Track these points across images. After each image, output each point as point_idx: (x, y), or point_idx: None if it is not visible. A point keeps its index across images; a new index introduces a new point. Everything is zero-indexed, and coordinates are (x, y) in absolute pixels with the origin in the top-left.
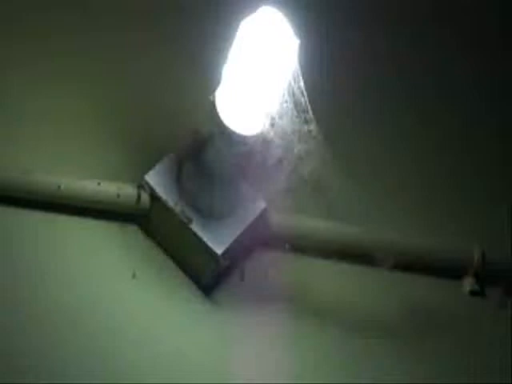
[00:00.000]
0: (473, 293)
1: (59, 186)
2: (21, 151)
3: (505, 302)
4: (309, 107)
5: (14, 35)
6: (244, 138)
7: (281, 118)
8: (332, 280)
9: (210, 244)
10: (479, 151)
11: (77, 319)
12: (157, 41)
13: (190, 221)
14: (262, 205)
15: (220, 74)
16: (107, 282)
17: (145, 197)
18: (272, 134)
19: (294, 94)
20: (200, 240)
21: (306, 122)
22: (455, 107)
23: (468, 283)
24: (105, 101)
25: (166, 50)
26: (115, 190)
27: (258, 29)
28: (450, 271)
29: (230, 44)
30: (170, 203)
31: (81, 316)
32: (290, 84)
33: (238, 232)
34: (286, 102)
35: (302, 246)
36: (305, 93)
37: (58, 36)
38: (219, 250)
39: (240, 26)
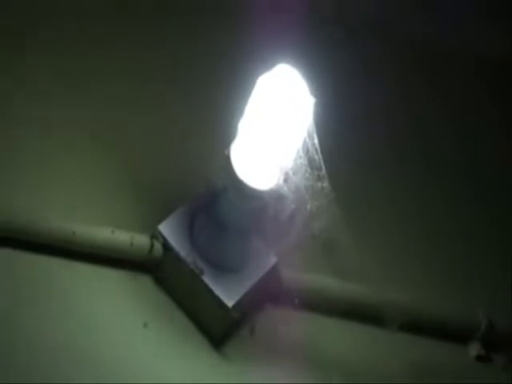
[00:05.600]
0: (479, 358)
1: (74, 232)
2: (37, 197)
3: (510, 368)
4: (322, 164)
5: (29, 90)
6: (257, 192)
7: (294, 174)
8: (339, 338)
9: (221, 296)
10: (486, 217)
11: (86, 367)
12: (173, 92)
13: (202, 272)
14: (272, 260)
15: (236, 128)
16: (118, 330)
17: (158, 246)
18: (285, 189)
19: (308, 151)
20: (211, 292)
21: (320, 178)
22: (464, 172)
23: (474, 348)
24: (121, 150)
25: (183, 101)
26: (128, 238)
27: (275, 85)
28: (457, 335)
29: (247, 99)
30: (182, 254)
31: (90, 364)
32: (304, 141)
33: (249, 286)
34: (300, 158)
35: (311, 303)
36: (319, 150)
37: (73, 85)
38: (230, 303)
39: (257, 82)
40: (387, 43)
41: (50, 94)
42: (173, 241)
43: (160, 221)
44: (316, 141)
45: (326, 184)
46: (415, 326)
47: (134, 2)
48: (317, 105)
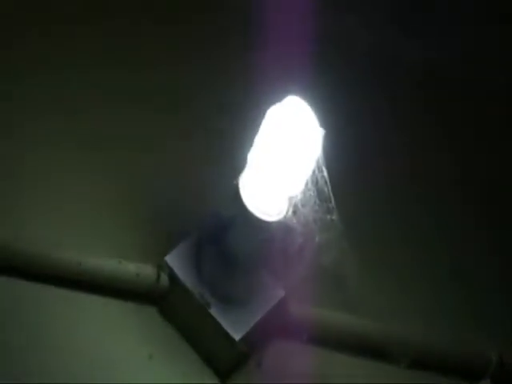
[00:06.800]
0: None
1: (80, 263)
2: (43, 227)
3: None
4: (332, 197)
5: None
6: (266, 224)
7: (303, 206)
8: (348, 373)
9: (228, 329)
10: (495, 254)
11: None
12: (182, 123)
13: (209, 304)
14: (280, 293)
15: (245, 159)
16: (123, 362)
17: (164, 278)
18: (294, 221)
19: (317, 183)
20: (218, 325)
21: (329, 211)
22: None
23: None
24: (128, 181)
25: (191, 131)
26: (135, 269)
27: (284, 117)
28: (467, 372)
29: (257, 131)
30: (189, 285)
31: None
32: (313, 173)
33: (257, 319)
34: (309, 190)
35: (319, 337)
36: (328, 182)
37: (83, 115)
38: (237, 336)
39: (267, 114)
40: (399, 76)
41: (62, 125)
42: (179, 272)
43: (167, 252)
44: (325, 173)
45: (335, 216)
46: (425, 362)
47: (147, 31)
48: (326, 137)
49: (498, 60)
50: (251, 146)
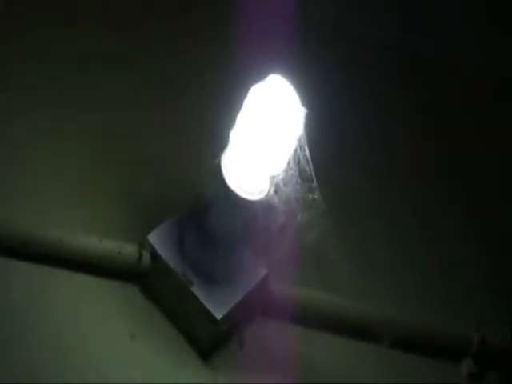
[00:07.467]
0: (471, 375)
1: (61, 241)
2: (25, 205)
3: None
4: (313, 176)
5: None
6: (248, 202)
7: (285, 185)
8: (329, 352)
9: (210, 308)
10: (478, 240)
11: (72, 378)
12: (163, 103)
13: (191, 283)
14: (263, 271)
15: (227, 137)
16: (105, 341)
17: (146, 256)
18: (276, 200)
19: (299, 162)
20: (200, 303)
21: (310, 190)
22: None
23: (466, 365)
24: (110, 160)
25: (173, 111)
26: (116, 247)
27: (267, 96)
28: (450, 352)
29: (239, 109)
30: (171, 264)
31: (75, 376)
32: (296, 152)
33: (239, 297)
34: (291, 169)
35: (301, 316)
36: (310, 161)
37: (68, 98)
38: (219, 315)
39: (249, 93)
40: (379, 55)
41: (44, 107)
42: (162, 251)
43: (149, 231)
44: (307, 152)
45: (316, 196)
46: (406, 342)
47: (132, 18)
48: (308, 116)
49: (497, 60)
50: (233, 124)
